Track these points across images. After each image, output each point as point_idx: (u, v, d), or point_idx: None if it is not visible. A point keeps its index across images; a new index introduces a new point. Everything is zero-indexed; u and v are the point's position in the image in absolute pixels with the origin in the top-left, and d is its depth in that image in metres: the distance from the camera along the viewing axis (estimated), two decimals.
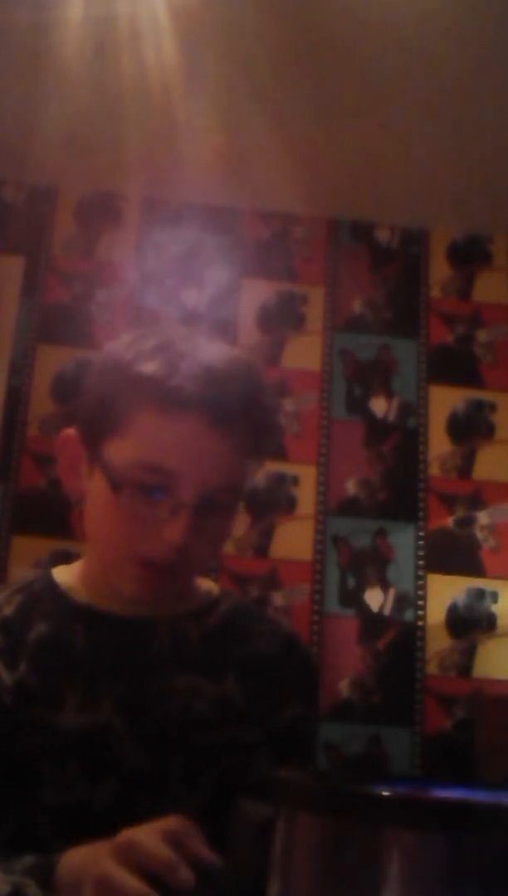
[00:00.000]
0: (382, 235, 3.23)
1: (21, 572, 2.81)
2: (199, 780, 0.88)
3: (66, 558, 3.07)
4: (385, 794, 0.38)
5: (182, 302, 3.11)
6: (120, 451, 0.85)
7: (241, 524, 2.92)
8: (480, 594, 2.90)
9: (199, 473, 0.84)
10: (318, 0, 2.23)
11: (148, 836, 0.70)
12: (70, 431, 0.94)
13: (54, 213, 3.16)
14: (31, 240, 3.13)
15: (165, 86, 2.52)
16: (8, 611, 0.97)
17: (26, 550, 2.84)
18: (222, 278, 3.14)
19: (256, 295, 3.14)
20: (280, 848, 0.42)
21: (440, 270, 3.22)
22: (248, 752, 0.92)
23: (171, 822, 0.71)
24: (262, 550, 2.90)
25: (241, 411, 0.86)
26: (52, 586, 0.98)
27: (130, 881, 0.67)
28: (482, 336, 3.16)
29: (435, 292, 3.20)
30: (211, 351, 0.88)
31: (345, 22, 2.28)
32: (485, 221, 3.18)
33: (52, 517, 2.88)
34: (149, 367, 0.85)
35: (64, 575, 1.00)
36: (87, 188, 3.16)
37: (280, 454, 2.97)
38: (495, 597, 2.90)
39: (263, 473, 2.94)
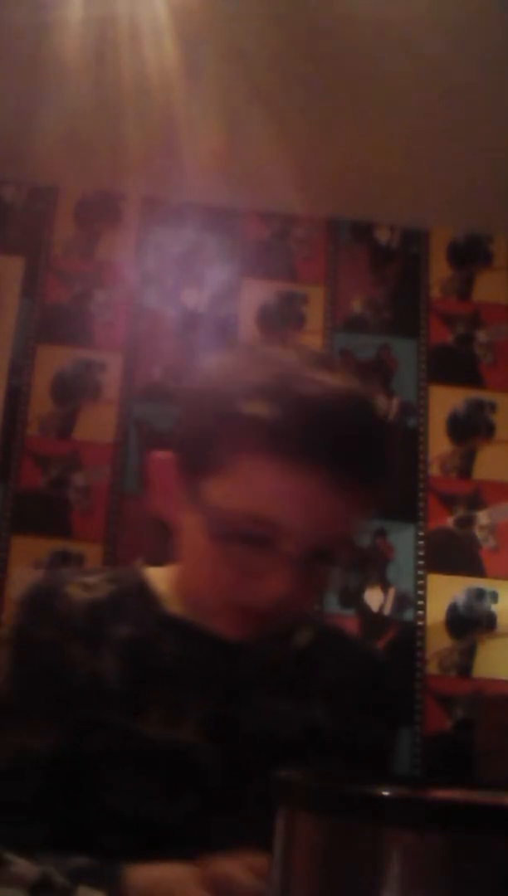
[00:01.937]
0: (382, 235, 3.23)
1: (21, 572, 2.81)
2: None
3: (65, 558, 3.06)
4: (385, 794, 0.38)
5: (182, 302, 3.11)
6: (223, 495, 0.78)
7: None
8: (480, 594, 2.90)
9: (309, 529, 0.77)
10: (318, 0, 2.23)
11: (242, 871, 0.69)
12: (163, 455, 0.86)
13: (54, 213, 3.16)
14: (31, 240, 3.13)
15: (165, 86, 2.52)
16: (99, 595, 0.90)
17: (26, 550, 2.84)
18: (222, 278, 3.14)
19: (256, 295, 3.14)
20: (280, 848, 0.42)
21: (440, 270, 3.21)
22: None
23: (259, 860, 0.69)
24: None
25: (362, 463, 0.78)
26: (144, 588, 0.92)
27: None
28: (482, 336, 3.16)
29: (435, 292, 3.19)
30: (330, 387, 0.78)
31: (345, 22, 2.27)
32: (485, 221, 3.18)
33: (52, 517, 2.87)
34: (261, 409, 0.76)
35: (157, 579, 0.94)
36: (87, 188, 3.16)
37: None
38: (495, 597, 2.90)
39: None
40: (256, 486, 0.77)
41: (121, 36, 2.35)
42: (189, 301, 3.11)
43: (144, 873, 0.74)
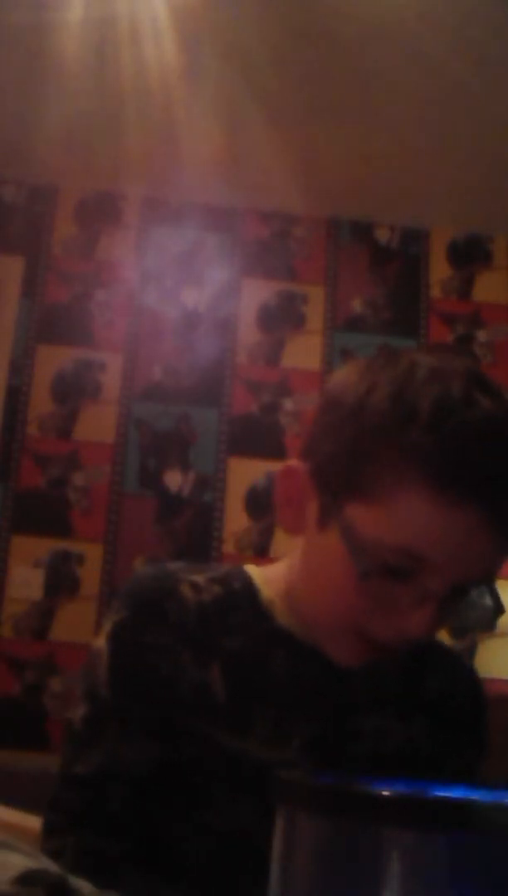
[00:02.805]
0: (382, 235, 3.23)
1: (21, 572, 2.81)
2: None
3: (65, 558, 3.05)
4: (385, 794, 0.38)
5: (182, 302, 3.11)
6: (369, 522, 0.73)
7: (241, 523, 2.91)
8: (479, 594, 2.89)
9: (458, 568, 0.73)
10: (318, 0, 2.23)
11: None
12: (296, 466, 0.80)
13: (54, 213, 3.16)
14: (31, 240, 3.13)
15: (165, 86, 2.52)
16: (206, 598, 0.85)
17: (26, 550, 2.84)
18: (222, 278, 3.14)
19: (256, 294, 3.14)
20: (280, 848, 0.42)
21: (440, 270, 3.21)
22: None
23: None
24: (262, 550, 2.90)
25: None
26: (252, 594, 0.87)
27: None
28: (482, 336, 3.16)
29: (435, 292, 3.19)
30: (497, 417, 0.71)
31: (345, 22, 2.28)
32: (485, 221, 3.18)
33: (52, 517, 2.87)
34: (423, 438, 0.70)
35: (264, 584, 0.88)
36: (87, 188, 3.16)
37: (280, 454, 2.96)
38: None
39: (263, 473, 2.94)
40: (410, 518, 0.71)
41: (121, 36, 2.35)
42: (189, 301, 3.11)
43: None
